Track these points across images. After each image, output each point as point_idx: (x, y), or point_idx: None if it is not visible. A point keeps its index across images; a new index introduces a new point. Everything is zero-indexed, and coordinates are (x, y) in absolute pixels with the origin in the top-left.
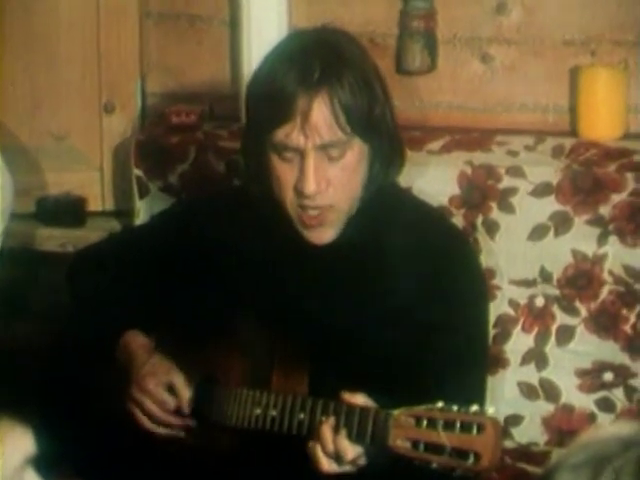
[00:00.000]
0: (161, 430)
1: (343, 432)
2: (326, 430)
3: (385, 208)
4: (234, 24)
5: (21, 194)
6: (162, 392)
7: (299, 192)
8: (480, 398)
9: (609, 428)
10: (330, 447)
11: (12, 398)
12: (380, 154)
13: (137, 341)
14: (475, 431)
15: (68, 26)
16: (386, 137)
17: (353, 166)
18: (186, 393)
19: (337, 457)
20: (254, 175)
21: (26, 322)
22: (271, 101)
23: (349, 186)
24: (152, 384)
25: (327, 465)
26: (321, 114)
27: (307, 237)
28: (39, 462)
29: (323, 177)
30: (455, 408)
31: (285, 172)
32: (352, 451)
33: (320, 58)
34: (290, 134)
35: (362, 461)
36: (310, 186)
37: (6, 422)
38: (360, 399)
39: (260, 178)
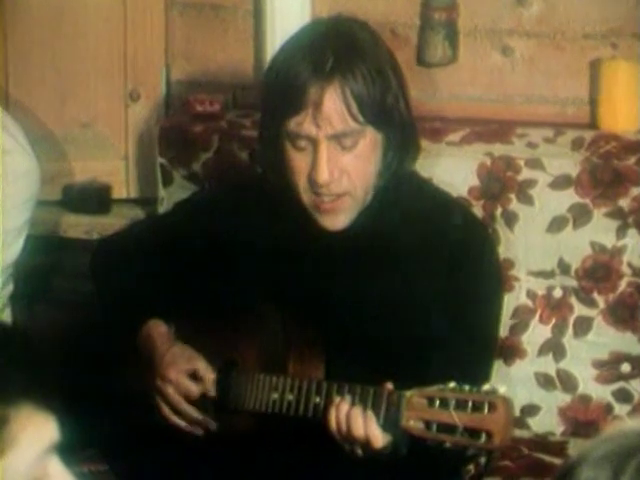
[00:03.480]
0: (182, 422)
1: (374, 418)
2: (357, 416)
3: (405, 197)
4: (258, 14)
5: (47, 181)
6: (185, 380)
7: (313, 181)
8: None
9: (632, 422)
10: (361, 432)
11: (35, 385)
12: (394, 143)
13: (158, 330)
14: (486, 410)
15: (95, 16)
16: (400, 126)
17: (366, 155)
18: (210, 376)
19: (365, 443)
20: (270, 162)
21: (51, 308)
22: (284, 90)
23: (363, 174)
24: (174, 373)
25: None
26: (332, 104)
27: (321, 223)
28: (62, 447)
29: (336, 166)
30: (467, 388)
31: (299, 160)
32: (382, 438)
33: (333, 48)
34: (302, 123)
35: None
36: (323, 175)
37: (29, 409)
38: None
39: (275, 165)
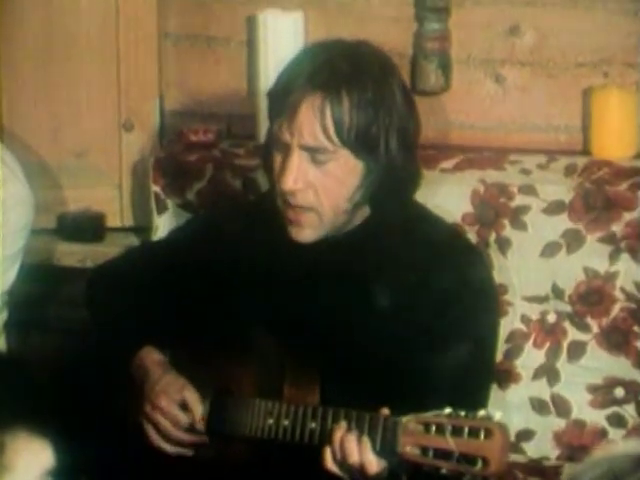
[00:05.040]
0: (172, 448)
1: (368, 444)
2: (351, 442)
3: (400, 221)
4: (251, 44)
5: (42, 210)
6: (175, 409)
7: (280, 187)
8: (484, 407)
9: (622, 445)
10: (356, 458)
11: (30, 412)
12: (376, 174)
13: (151, 357)
14: (483, 436)
15: (88, 47)
16: (385, 160)
17: (338, 177)
18: (199, 410)
19: (360, 469)
20: (265, 165)
21: (45, 336)
22: (276, 92)
23: (332, 194)
24: (165, 401)
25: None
26: (306, 116)
27: (289, 232)
28: (57, 473)
29: (303, 177)
30: (463, 414)
31: (278, 163)
32: (377, 464)
33: (334, 66)
34: (281, 127)
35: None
36: (287, 182)
37: (24, 436)
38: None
39: (267, 168)
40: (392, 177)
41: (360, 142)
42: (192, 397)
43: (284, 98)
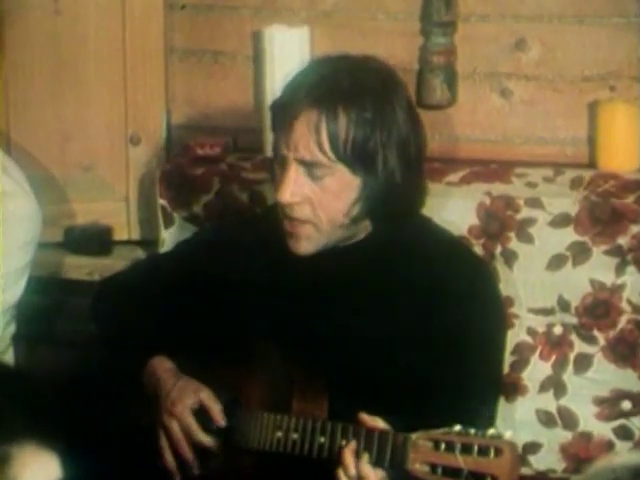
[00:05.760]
0: (172, 463)
1: (365, 457)
2: (348, 455)
3: (406, 235)
4: (257, 59)
5: (49, 223)
6: (189, 416)
7: (277, 199)
8: (491, 423)
9: (624, 455)
10: (352, 471)
11: (38, 424)
12: (374, 190)
13: (163, 366)
14: (492, 455)
15: (96, 61)
16: (384, 175)
17: (334, 192)
18: (217, 406)
19: None
20: (272, 178)
21: (53, 349)
22: (276, 107)
23: (328, 208)
24: (180, 409)
25: None
26: (301, 131)
27: (288, 244)
28: None
29: (300, 190)
30: (473, 432)
31: (277, 177)
32: (374, 476)
33: (334, 82)
34: (280, 141)
35: None
36: (284, 195)
37: (32, 448)
38: (379, 423)
39: (273, 181)
40: (391, 192)
41: (356, 158)
42: (208, 396)
43: (283, 112)
